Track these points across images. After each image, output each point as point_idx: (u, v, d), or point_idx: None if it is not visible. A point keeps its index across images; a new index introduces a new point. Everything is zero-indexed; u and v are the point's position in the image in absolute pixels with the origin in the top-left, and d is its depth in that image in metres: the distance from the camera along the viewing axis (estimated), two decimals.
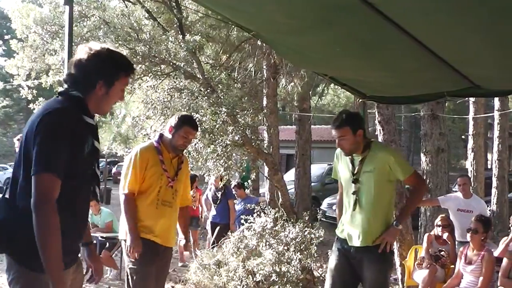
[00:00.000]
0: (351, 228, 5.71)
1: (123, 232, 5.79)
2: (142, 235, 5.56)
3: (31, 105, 14.93)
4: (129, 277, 5.65)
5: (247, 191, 16.29)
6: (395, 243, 12.03)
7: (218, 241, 11.41)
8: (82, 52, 3.62)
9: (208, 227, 13.45)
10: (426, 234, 10.25)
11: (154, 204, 5.59)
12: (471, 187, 10.62)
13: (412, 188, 5.98)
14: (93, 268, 4.18)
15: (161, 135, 5.79)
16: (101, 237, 11.55)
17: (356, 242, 5.66)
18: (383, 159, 5.64)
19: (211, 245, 11.66)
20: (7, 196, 3.54)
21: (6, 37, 54.74)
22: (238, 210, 13.36)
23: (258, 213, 10.82)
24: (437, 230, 9.74)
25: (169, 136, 5.68)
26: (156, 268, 5.68)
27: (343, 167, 5.94)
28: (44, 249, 3.26)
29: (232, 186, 13.97)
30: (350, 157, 5.78)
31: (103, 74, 3.60)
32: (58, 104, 3.55)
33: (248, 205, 12.18)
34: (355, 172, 5.69)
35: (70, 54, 5.30)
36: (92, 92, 3.61)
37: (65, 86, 3.67)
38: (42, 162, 3.30)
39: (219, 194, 13.19)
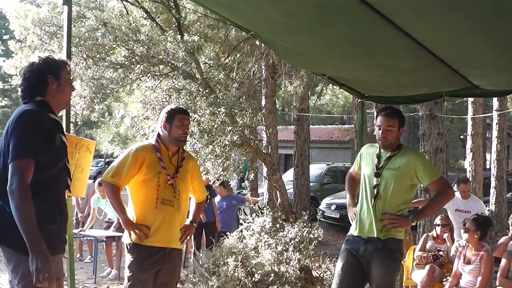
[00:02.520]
0: (366, 220, 5.81)
1: (126, 235, 5.69)
2: (137, 241, 5.42)
3: None
4: (126, 280, 5.61)
5: (245, 191, 16.28)
6: None
7: (209, 240, 11.42)
8: (25, 67, 4.18)
9: None
10: (425, 235, 10.25)
11: (153, 204, 5.43)
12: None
13: (436, 192, 5.97)
14: None
15: (158, 134, 5.71)
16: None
17: (368, 233, 5.75)
18: (410, 162, 5.70)
19: (205, 245, 11.59)
20: None
21: (5, 37, 54.70)
22: (218, 208, 13.34)
23: (256, 213, 10.81)
24: (436, 230, 9.74)
25: (166, 132, 5.58)
26: (163, 272, 5.53)
27: (367, 162, 6.01)
28: (23, 226, 3.64)
29: (217, 185, 13.99)
30: (377, 152, 5.87)
31: (49, 70, 4.12)
32: (28, 107, 4.01)
33: (234, 201, 12.22)
34: (380, 166, 5.78)
35: (69, 54, 5.33)
36: (47, 89, 4.11)
37: (24, 99, 4.14)
38: (17, 151, 3.75)
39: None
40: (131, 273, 5.46)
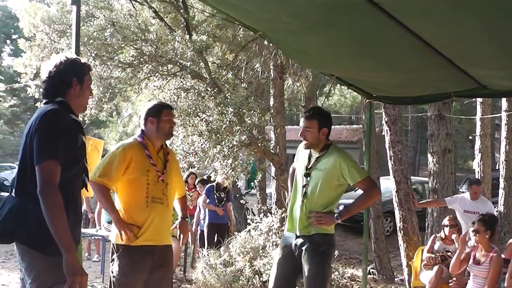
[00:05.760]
0: (296, 216, 6.03)
1: (113, 235, 5.60)
2: (128, 242, 5.32)
3: (38, 104, 14.95)
4: (112, 285, 5.52)
5: (254, 191, 16.25)
6: (401, 243, 12.08)
7: (219, 241, 11.44)
8: (49, 65, 4.22)
9: (204, 228, 13.21)
10: (433, 236, 10.23)
11: (144, 202, 5.36)
12: None
13: (362, 191, 6.05)
14: None
15: (142, 131, 5.65)
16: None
17: (298, 231, 5.97)
18: (336, 163, 5.88)
19: (215, 245, 11.59)
20: (13, 194, 3.97)
21: (14, 36, 54.86)
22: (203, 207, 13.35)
23: (264, 213, 10.81)
24: (445, 231, 9.71)
25: (153, 127, 5.52)
26: (156, 269, 5.47)
27: (300, 161, 6.25)
28: (54, 225, 3.65)
29: (196, 182, 13.98)
30: (308, 152, 6.10)
31: (74, 73, 4.18)
32: (51, 107, 4.02)
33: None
34: (309, 167, 6.01)
35: (77, 53, 5.30)
36: (70, 91, 4.15)
37: (46, 98, 4.18)
38: (42, 152, 3.75)
39: (223, 195, 13.09)
40: (123, 277, 5.35)
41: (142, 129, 5.65)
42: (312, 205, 5.89)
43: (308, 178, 5.97)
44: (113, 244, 5.49)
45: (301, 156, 6.24)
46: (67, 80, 4.13)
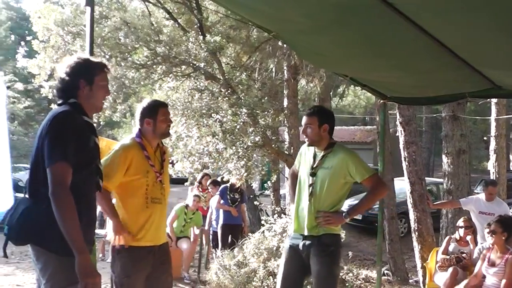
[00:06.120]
0: (303, 217, 6.02)
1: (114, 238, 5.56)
2: (129, 243, 5.29)
3: (52, 105, 15.00)
4: (114, 285, 5.50)
5: (268, 192, 16.21)
6: (416, 245, 12.03)
7: (233, 241, 11.43)
8: (61, 67, 4.24)
9: (218, 229, 13.19)
10: (447, 237, 10.18)
11: (144, 204, 5.33)
12: None
13: (369, 188, 6.06)
14: None
15: (139, 130, 5.55)
16: None
17: (305, 231, 5.95)
18: (342, 161, 5.88)
19: (229, 246, 11.57)
20: (27, 195, 4.01)
21: (28, 38, 55.07)
22: (216, 208, 13.35)
23: (278, 214, 10.78)
24: (459, 232, 9.66)
25: (150, 127, 5.44)
26: (155, 268, 5.45)
27: (304, 162, 6.23)
28: (65, 227, 3.68)
29: (208, 183, 13.95)
30: (313, 152, 6.09)
31: (81, 74, 4.16)
32: (62, 108, 4.05)
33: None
34: (315, 166, 6.00)
35: (91, 54, 5.31)
36: (79, 93, 4.14)
37: (59, 99, 4.19)
38: (53, 154, 3.77)
39: (236, 196, 13.07)
40: (125, 277, 5.34)
41: (139, 128, 5.58)
42: (319, 204, 5.90)
43: (315, 177, 5.96)
44: (113, 245, 5.44)
45: (305, 157, 6.25)
46: (75, 82, 4.14)
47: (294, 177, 6.50)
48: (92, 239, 4.28)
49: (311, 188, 5.96)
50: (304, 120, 6.03)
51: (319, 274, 5.83)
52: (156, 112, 5.50)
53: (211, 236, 13.69)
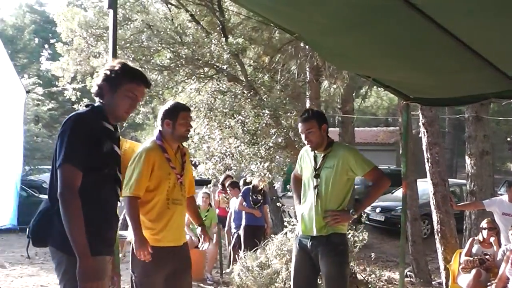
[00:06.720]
0: (310, 220, 6.09)
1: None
2: (151, 243, 5.30)
3: (75, 106, 15.11)
4: (134, 285, 5.54)
5: (290, 193, 16.20)
6: (439, 246, 11.98)
7: (256, 243, 11.43)
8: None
9: (241, 231, 13.20)
10: (471, 239, 10.15)
11: (165, 205, 5.42)
12: None
13: (372, 182, 6.19)
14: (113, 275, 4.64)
15: (160, 132, 5.64)
16: None
17: (314, 232, 6.05)
18: (344, 158, 5.99)
19: (252, 247, 11.57)
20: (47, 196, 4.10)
21: (52, 41, 55.45)
22: (236, 211, 13.49)
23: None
24: (483, 233, 9.63)
25: (169, 129, 5.53)
26: (175, 269, 5.52)
27: (306, 165, 6.34)
28: (69, 229, 3.73)
29: (227, 184, 13.96)
30: (313, 154, 6.20)
31: (108, 80, 4.19)
32: (79, 111, 4.19)
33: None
34: (317, 167, 6.11)
35: (115, 57, 5.36)
36: (104, 97, 4.21)
37: (96, 97, 4.28)
38: (63, 155, 3.81)
39: (259, 197, 13.08)
40: (146, 277, 5.41)
41: (159, 130, 5.66)
42: (326, 204, 5.99)
43: (319, 179, 6.07)
44: (134, 245, 5.48)
45: (306, 160, 6.36)
46: (100, 85, 4.21)
47: (297, 180, 6.66)
48: (112, 242, 4.29)
49: (316, 189, 6.06)
50: (302, 126, 6.13)
51: (330, 274, 5.92)
52: (177, 115, 5.57)
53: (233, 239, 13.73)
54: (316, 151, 6.17)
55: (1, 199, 7.82)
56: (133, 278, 5.55)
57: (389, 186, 6.28)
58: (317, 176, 6.08)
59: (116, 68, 4.21)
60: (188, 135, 5.88)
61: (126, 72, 4.24)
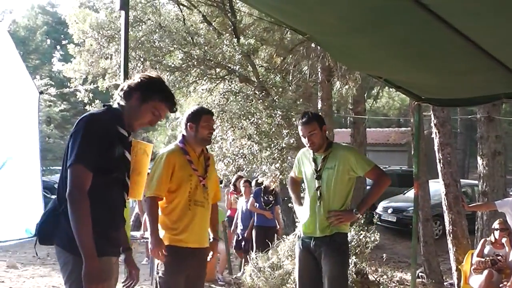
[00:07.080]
0: (313, 221, 6.12)
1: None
2: (173, 243, 5.48)
3: (87, 107, 15.16)
4: (158, 285, 5.61)
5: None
6: (451, 247, 11.96)
7: (267, 243, 11.43)
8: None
9: (253, 231, 13.16)
10: (483, 239, 10.12)
11: (186, 206, 5.52)
12: None
13: (373, 181, 6.25)
14: (130, 272, 4.63)
15: (183, 136, 5.76)
16: None
17: (317, 232, 6.09)
18: (344, 158, 6.04)
19: (263, 248, 11.56)
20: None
21: (64, 42, 55.64)
22: (243, 211, 13.48)
23: None
24: (495, 234, 9.60)
25: (192, 133, 5.63)
26: (193, 271, 5.63)
27: (306, 167, 6.39)
28: (76, 230, 3.72)
29: (242, 182, 13.92)
30: (312, 156, 6.24)
31: (142, 89, 4.16)
32: (93, 112, 4.12)
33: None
34: (318, 169, 6.15)
35: (126, 58, 5.40)
36: (128, 102, 4.17)
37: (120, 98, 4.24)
38: (74, 155, 3.78)
39: (271, 198, 13.07)
40: (169, 276, 5.51)
41: (183, 134, 5.76)
42: (329, 204, 6.03)
43: (320, 180, 6.11)
44: (150, 245, 5.59)
45: (305, 162, 6.41)
46: (131, 92, 4.15)
47: (295, 183, 6.79)
48: (118, 242, 4.30)
49: (318, 191, 6.10)
50: (304, 129, 6.16)
51: (331, 274, 5.94)
52: (199, 118, 5.66)
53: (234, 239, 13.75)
54: (315, 153, 6.21)
55: (28, 207, 7.73)
56: (157, 278, 5.64)
57: (389, 184, 6.30)
58: (318, 177, 6.12)
59: (154, 81, 4.25)
60: (211, 139, 5.94)
61: (162, 90, 4.28)
